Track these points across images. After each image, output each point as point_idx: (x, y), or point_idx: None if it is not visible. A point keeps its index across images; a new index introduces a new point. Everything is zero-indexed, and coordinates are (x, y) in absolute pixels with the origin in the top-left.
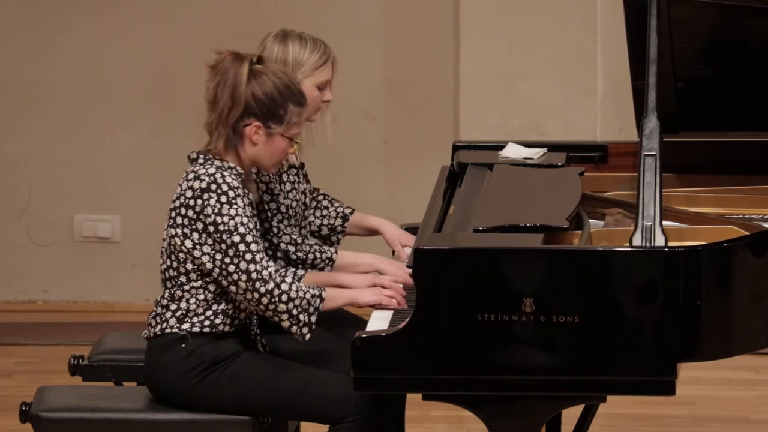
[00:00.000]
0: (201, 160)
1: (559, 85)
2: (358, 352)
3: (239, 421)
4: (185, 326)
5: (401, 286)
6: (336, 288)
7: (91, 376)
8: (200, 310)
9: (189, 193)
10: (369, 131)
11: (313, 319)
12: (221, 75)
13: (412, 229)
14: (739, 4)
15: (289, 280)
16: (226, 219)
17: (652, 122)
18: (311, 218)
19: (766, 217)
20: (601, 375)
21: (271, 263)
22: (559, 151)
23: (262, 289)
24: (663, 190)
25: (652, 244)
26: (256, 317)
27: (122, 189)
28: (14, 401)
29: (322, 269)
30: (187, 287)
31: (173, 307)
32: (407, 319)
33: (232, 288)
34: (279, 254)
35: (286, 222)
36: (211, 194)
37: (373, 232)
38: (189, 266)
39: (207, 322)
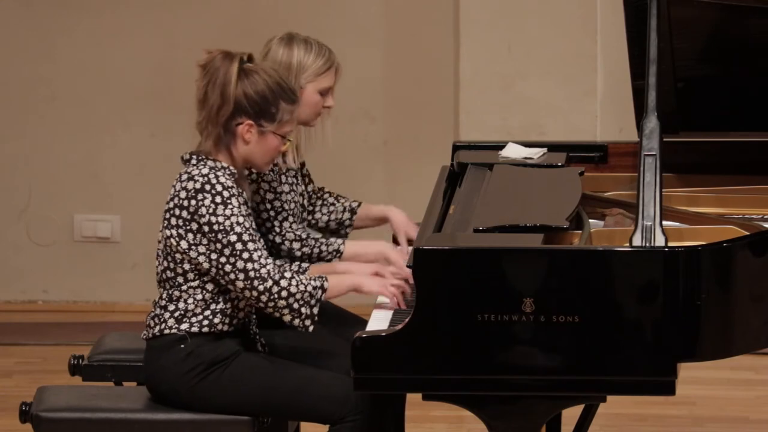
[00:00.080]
0: (194, 161)
1: (559, 85)
2: (358, 352)
3: (239, 421)
4: (184, 326)
5: (405, 282)
6: (339, 275)
7: (91, 376)
8: (198, 310)
9: (183, 194)
10: (369, 131)
11: (316, 310)
12: (211, 74)
13: None
14: (739, 4)
15: (288, 275)
16: (221, 219)
17: (652, 122)
18: (318, 215)
19: (766, 217)
20: (601, 375)
21: (269, 260)
22: (559, 151)
23: (261, 287)
24: (663, 190)
25: (652, 244)
26: (254, 316)
27: (122, 189)
28: (14, 401)
29: (330, 261)
30: (184, 287)
31: (171, 307)
32: (407, 319)
33: (231, 287)
34: (283, 253)
35: (291, 219)
36: (205, 195)
37: (381, 220)
38: (186, 266)
39: (206, 322)
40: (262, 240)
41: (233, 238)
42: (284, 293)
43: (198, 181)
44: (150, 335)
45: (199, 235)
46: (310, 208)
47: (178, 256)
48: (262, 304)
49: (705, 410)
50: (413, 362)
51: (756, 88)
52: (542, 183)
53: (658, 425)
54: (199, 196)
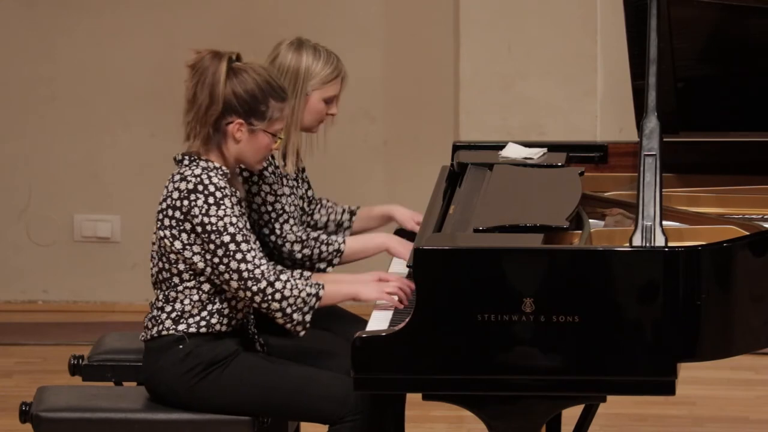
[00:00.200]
0: (186, 162)
1: (559, 85)
2: (358, 352)
3: (239, 421)
4: (181, 327)
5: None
6: (337, 283)
7: (91, 376)
8: (195, 311)
9: (175, 195)
10: (369, 131)
11: (308, 318)
12: (200, 74)
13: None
14: (739, 4)
15: (284, 277)
16: (214, 220)
17: (652, 122)
18: (317, 216)
19: (766, 217)
20: (601, 375)
21: (264, 261)
22: (559, 151)
23: (254, 288)
24: (663, 190)
25: (652, 244)
26: (253, 316)
27: (122, 189)
28: (14, 401)
29: (331, 261)
30: (180, 288)
31: (168, 308)
32: (407, 319)
33: (225, 287)
34: (284, 255)
35: (291, 221)
36: (198, 195)
37: (384, 219)
38: (181, 267)
39: (203, 323)
40: (257, 241)
41: (226, 238)
42: (278, 295)
43: (190, 181)
44: (148, 337)
45: (192, 235)
46: (309, 211)
47: (172, 256)
48: (255, 305)
49: (705, 410)
50: (413, 362)
51: (756, 88)
52: (542, 183)
53: (658, 425)
54: (192, 197)
